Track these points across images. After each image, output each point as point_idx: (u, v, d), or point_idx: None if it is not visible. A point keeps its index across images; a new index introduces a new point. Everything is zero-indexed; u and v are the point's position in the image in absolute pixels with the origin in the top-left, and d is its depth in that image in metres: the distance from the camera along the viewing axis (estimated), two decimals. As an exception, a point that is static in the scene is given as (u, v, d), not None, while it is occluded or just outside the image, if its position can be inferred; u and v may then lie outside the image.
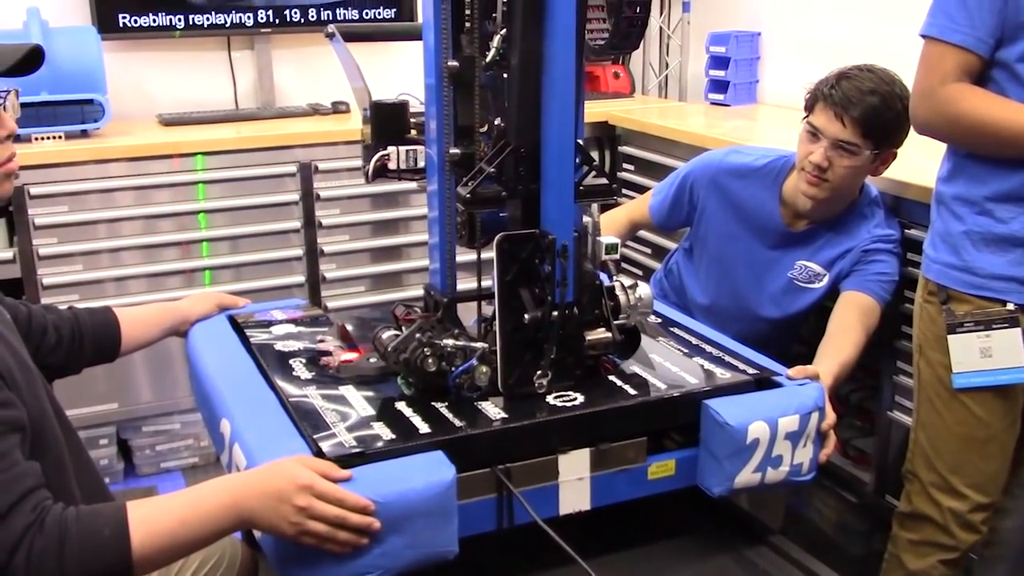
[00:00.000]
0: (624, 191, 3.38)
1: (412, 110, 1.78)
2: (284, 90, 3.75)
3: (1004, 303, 1.76)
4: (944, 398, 1.87)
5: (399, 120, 1.76)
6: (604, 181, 1.59)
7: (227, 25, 3.54)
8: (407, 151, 1.74)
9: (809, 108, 2.12)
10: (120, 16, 3.37)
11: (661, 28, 4.30)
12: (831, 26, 3.44)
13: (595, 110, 3.71)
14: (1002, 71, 1.69)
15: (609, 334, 1.65)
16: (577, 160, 1.54)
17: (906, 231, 2.24)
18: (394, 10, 3.74)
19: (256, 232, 3.28)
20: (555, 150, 1.49)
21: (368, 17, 3.71)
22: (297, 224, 3.31)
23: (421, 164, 1.74)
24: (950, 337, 1.79)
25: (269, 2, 3.56)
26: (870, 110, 2.05)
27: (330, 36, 1.91)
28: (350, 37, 1.90)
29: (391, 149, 1.74)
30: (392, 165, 1.75)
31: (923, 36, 1.74)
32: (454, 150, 1.59)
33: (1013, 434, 1.87)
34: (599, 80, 4.19)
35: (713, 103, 3.86)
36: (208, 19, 3.50)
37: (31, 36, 2.93)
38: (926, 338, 1.89)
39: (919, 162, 2.24)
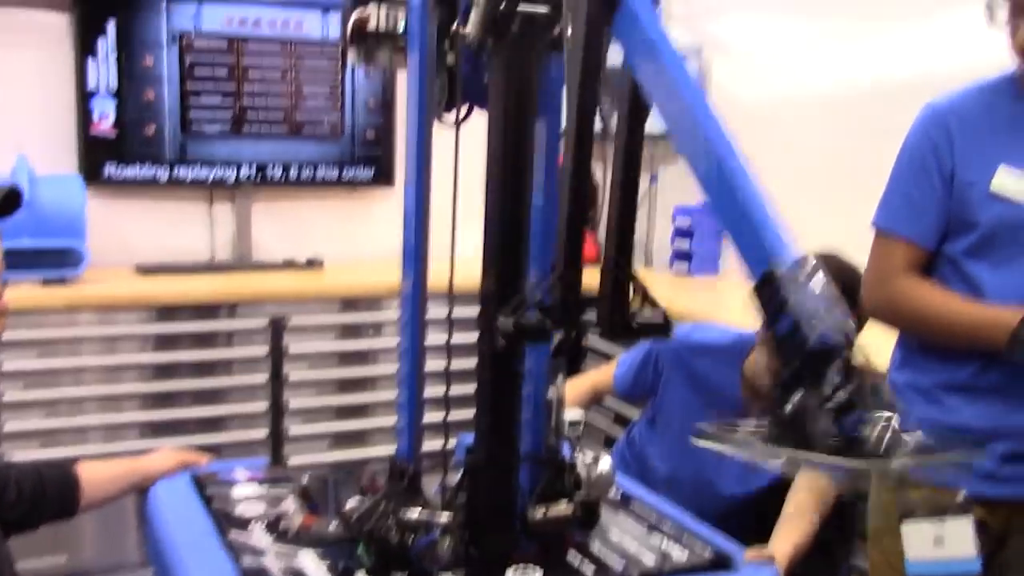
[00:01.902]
0: (591, 355, 3.44)
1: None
2: (261, 243, 3.83)
3: (956, 492, 1.80)
4: (898, 585, 1.88)
5: None
6: (661, 316, 1.37)
7: (210, 180, 3.64)
8: (387, 10, 1.64)
9: None
10: (106, 166, 3.46)
11: (630, 199, 4.45)
12: (793, 204, 3.57)
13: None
14: (947, 264, 1.78)
15: (570, 510, 1.67)
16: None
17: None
18: (373, 169, 3.86)
19: (222, 386, 3.29)
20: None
21: (348, 177, 3.83)
22: (264, 379, 3.33)
23: (401, 28, 1.65)
24: (903, 525, 1.82)
25: (253, 158, 3.67)
26: None
27: None
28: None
29: (371, 6, 1.64)
30: (371, 26, 1.65)
31: (873, 226, 1.84)
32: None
33: (967, 623, 1.88)
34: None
35: (677, 273, 3.97)
36: (192, 173, 3.60)
37: (17, 182, 3.00)
38: (880, 527, 1.92)
39: (877, 347, 2.32)
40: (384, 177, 3.87)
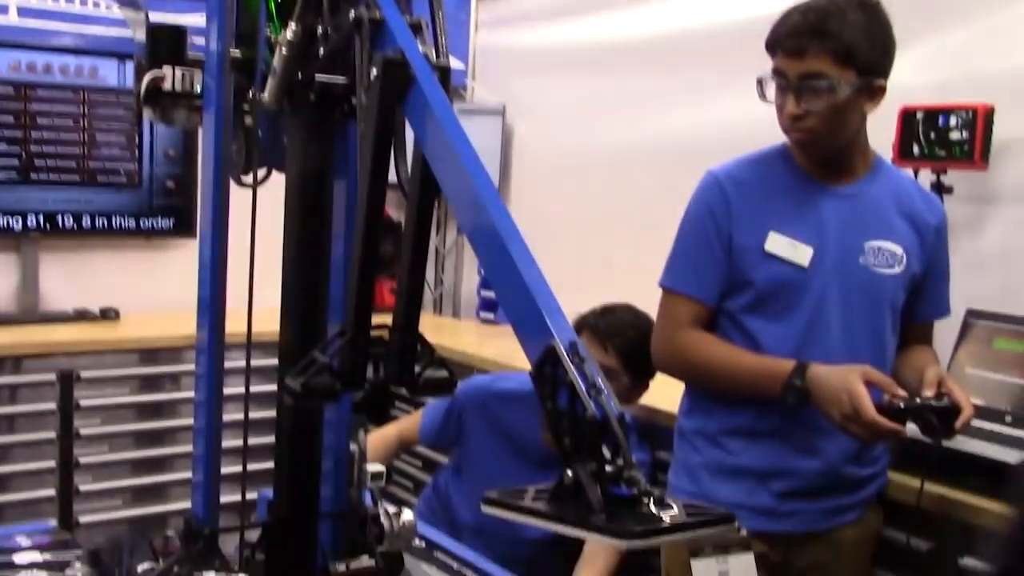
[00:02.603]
0: (397, 406, 3.45)
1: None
2: (50, 294, 3.64)
3: (738, 529, 1.91)
4: (690, 619, 1.97)
5: (177, 44, 1.65)
6: (444, 374, 1.40)
7: (-7, 229, 3.45)
8: (183, 72, 1.62)
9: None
10: None
11: (437, 248, 4.51)
12: (600, 258, 3.71)
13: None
14: (727, 319, 1.91)
15: (372, 563, 1.67)
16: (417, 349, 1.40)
17: (656, 454, 2.41)
18: (172, 219, 3.76)
19: (5, 443, 3.10)
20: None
21: (146, 227, 3.71)
22: (52, 435, 3.16)
23: (198, 88, 1.63)
24: (692, 561, 1.91)
25: (41, 207, 3.50)
26: (630, 343, 2.27)
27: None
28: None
29: (166, 68, 1.62)
30: (167, 86, 1.62)
31: (660, 286, 1.95)
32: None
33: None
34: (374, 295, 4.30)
35: (484, 321, 4.04)
36: (-29, 221, 3.40)
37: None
38: (672, 563, 2.00)
39: (668, 392, 2.44)
40: (184, 227, 3.77)
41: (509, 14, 4.23)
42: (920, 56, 2.40)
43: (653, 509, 0.96)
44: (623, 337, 2.27)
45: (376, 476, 1.72)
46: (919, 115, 2.36)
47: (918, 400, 1.71)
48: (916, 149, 2.36)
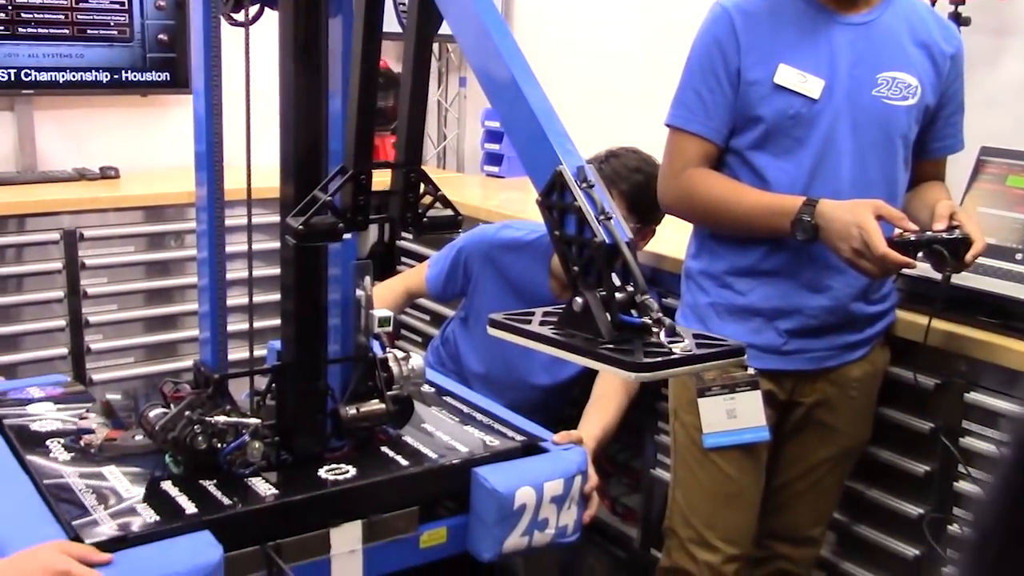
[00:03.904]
0: (402, 260, 3.44)
1: None
2: (48, 154, 3.59)
3: (746, 368, 1.92)
4: (697, 458, 2.00)
5: None
6: (450, 212, 1.43)
7: (-16, 84, 3.37)
8: None
9: None
10: None
11: (439, 101, 4.43)
12: (606, 104, 3.66)
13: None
14: (735, 157, 1.87)
15: (382, 406, 1.68)
16: (422, 189, 1.41)
17: (663, 300, 2.40)
18: (167, 74, 3.67)
19: (15, 303, 3.11)
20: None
21: (141, 82, 3.63)
22: (60, 294, 3.17)
23: None
24: (700, 400, 1.94)
25: (32, 63, 3.42)
26: (636, 187, 2.22)
27: None
28: None
29: None
30: None
31: (667, 125, 1.90)
32: None
33: (758, 489, 2.03)
34: (377, 150, 4.26)
35: (489, 175, 4.00)
36: (-36, 78, 3.33)
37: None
38: (680, 402, 2.03)
39: (674, 236, 2.42)
40: (180, 82, 3.68)
41: None
42: None
43: (663, 339, 0.95)
44: (628, 181, 2.23)
45: (383, 321, 1.72)
46: (938, -59, 2.26)
47: (929, 233, 1.68)
48: (933, -23, 2.27)
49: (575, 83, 3.57)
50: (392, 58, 4.29)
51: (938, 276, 1.76)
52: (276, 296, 1.63)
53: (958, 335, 1.92)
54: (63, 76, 3.48)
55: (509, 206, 3.22)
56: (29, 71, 3.42)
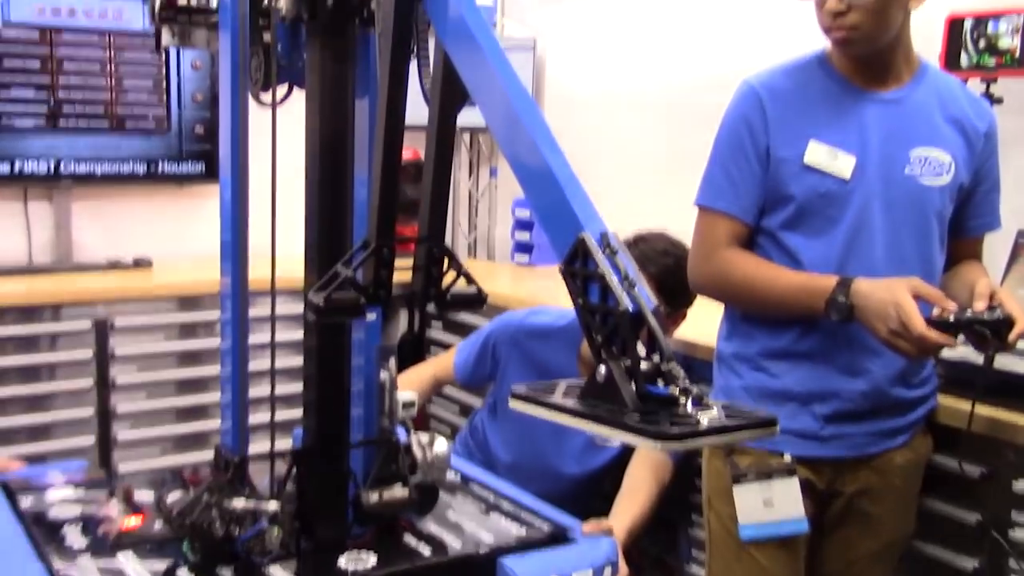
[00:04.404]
0: (431, 350, 3.42)
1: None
2: (83, 243, 3.63)
3: (782, 454, 1.86)
4: (733, 550, 1.93)
5: None
6: (474, 289, 1.37)
7: (24, 176, 3.43)
8: None
9: None
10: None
11: (470, 192, 4.46)
12: (635, 188, 3.64)
13: (401, 270, 3.76)
14: (767, 237, 1.84)
15: (405, 492, 1.63)
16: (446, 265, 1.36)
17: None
18: (202, 164, 3.73)
19: (46, 392, 3.11)
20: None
21: (176, 173, 3.68)
22: (89, 383, 3.16)
23: (213, 3, 1.58)
24: (735, 488, 1.87)
25: (71, 154, 3.48)
26: (664, 270, 2.21)
27: None
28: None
29: None
30: (182, 1, 1.59)
31: (696, 205, 1.87)
32: None
33: (797, 584, 1.94)
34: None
35: (519, 264, 3.99)
36: (4, 170, 3.39)
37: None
38: (714, 491, 1.96)
39: (708, 325, 2.38)
40: (215, 173, 3.72)
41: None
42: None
43: (690, 409, 0.91)
44: (657, 264, 2.20)
45: (408, 405, 1.68)
46: (967, 22, 2.25)
47: (969, 312, 1.63)
48: (964, 59, 2.26)
49: (604, 165, 3.59)
50: (423, 148, 4.34)
51: (979, 359, 1.70)
52: (296, 387, 1.60)
53: (1003, 421, 1.85)
54: (100, 167, 3.55)
55: (540, 295, 3.20)
56: (68, 162, 3.49)
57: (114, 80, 3.54)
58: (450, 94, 1.25)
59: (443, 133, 1.28)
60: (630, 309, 0.92)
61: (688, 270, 1.92)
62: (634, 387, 0.91)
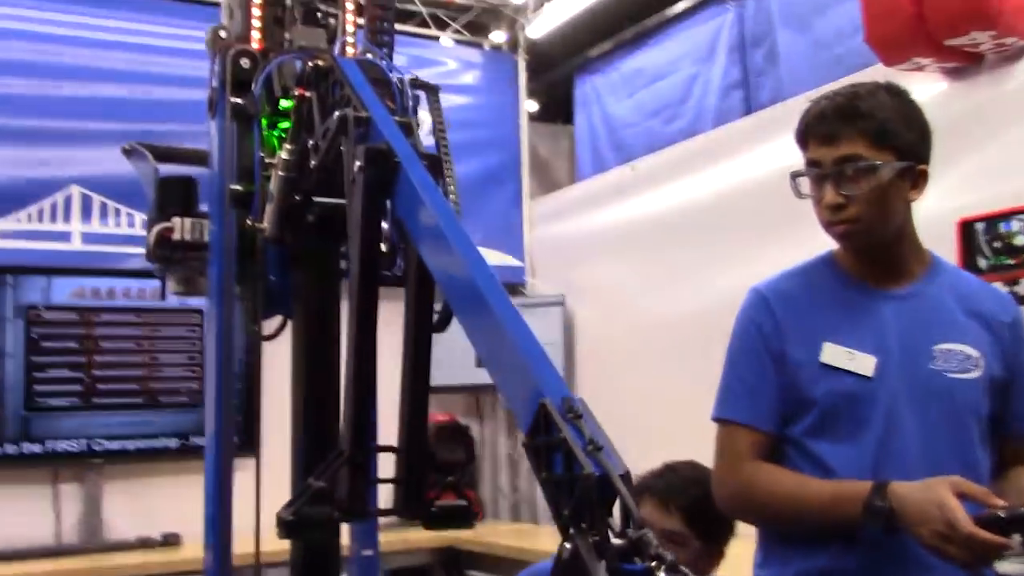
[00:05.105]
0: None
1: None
2: (112, 521, 3.55)
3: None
4: None
5: (186, 194, 1.64)
6: (463, 503, 1.28)
7: (56, 457, 3.42)
8: (192, 222, 1.60)
9: None
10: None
11: (509, 455, 4.38)
12: (660, 425, 3.53)
13: (440, 535, 3.62)
14: (793, 448, 1.71)
15: None
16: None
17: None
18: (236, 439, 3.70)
19: None
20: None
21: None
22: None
23: (206, 238, 1.60)
24: None
25: (104, 432, 3.49)
26: (694, 501, 2.06)
27: (127, 152, 1.79)
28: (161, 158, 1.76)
29: (175, 220, 1.60)
30: (176, 236, 1.61)
31: (713, 419, 1.77)
32: None
33: None
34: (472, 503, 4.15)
35: (561, 523, 3.82)
36: (36, 451, 3.39)
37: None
38: None
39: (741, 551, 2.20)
40: (247, 446, 3.69)
41: (560, 206, 4.34)
42: (969, 171, 2.27)
43: None
44: (686, 495, 2.05)
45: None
46: (979, 225, 2.21)
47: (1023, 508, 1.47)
48: (982, 262, 2.20)
49: (634, 402, 3.54)
50: (459, 411, 4.31)
51: (1045, 567, 1.52)
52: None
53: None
54: (133, 444, 3.53)
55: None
56: (100, 441, 3.48)
57: (149, 356, 3.60)
58: (425, 287, 1.22)
59: (419, 331, 1.23)
60: (595, 473, 0.82)
61: (712, 490, 1.79)
62: (604, 565, 0.79)
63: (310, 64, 1.40)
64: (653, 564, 0.78)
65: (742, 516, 1.78)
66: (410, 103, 1.47)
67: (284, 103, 1.47)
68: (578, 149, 4.61)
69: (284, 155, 1.38)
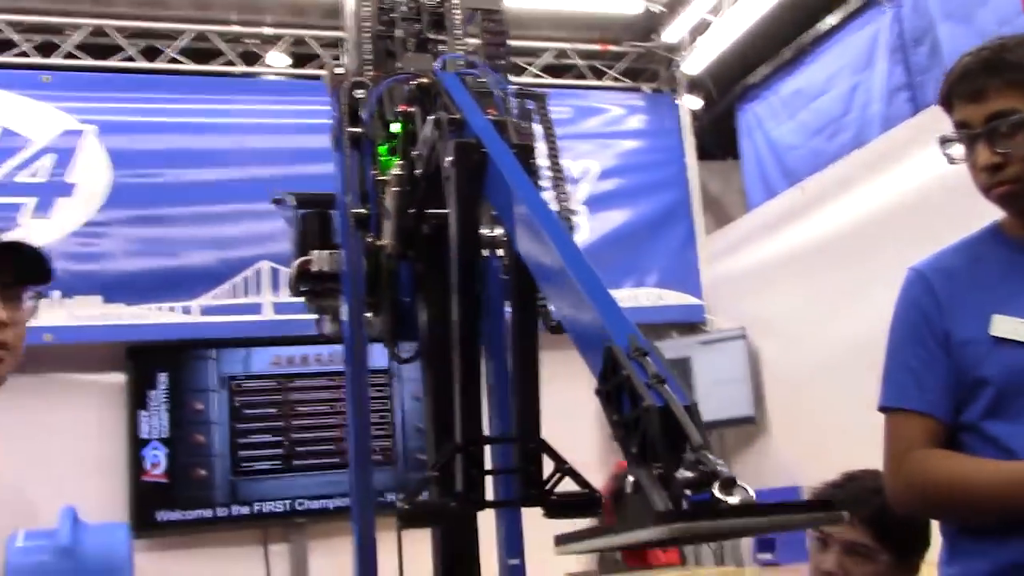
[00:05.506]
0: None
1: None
2: (319, 579, 3.70)
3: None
4: None
5: (322, 227, 1.73)
6: (587, 491, 1.21)
7: (263, 514, 3.61)
8: (328, 253, 1.68)
9: None
10: (158, 512, 3.47)
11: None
12: (851, 438, 3.37)
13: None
14: (969, 434, 1.58)
15: None
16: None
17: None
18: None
19: None
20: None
21: (402, 501, 3.75)
22: None
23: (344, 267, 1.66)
24: None
25: (305, 492, 3.64)
26: (878, 511, 1.93)
27: (277, 202, 1.88)
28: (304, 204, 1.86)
29: (312, 252, 1.69)
30: (314, 268, 1.68)
31: (880, 409, 1.66)
32: None
33: None
34: (646, 553, 4.05)
35: (763, 564, 3.67)
36: (244, 513, 3.58)
37: (61, 534, 3.02)
38: None
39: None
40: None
41: (734, 239, 4.27)
42: None
43: (717, 492, 0.75)
44: (869, 505, 1.92)
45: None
46: None
47: None
48: None
49: (822, 420, 3.41)
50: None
51: None
52: None
53: None
54: (332, 503, 3.67)
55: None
56: (302, 500, 3.64)
57: (343, 418, 3.74)
58: (527, 279, 1.22)
59: (524, 318, 1.24)
60: (656, 404, 0.80)
61: (885, 486, 1.67)
62: (667, 494, 0.77)
63: (413, 83, 1.46)
64: (712, 479, 0.75)
65: (915, 508, 1.65)
66: (515, 111, 1.50)
67: (395, 127, 1.54)
68: (746, 179, 4.53)
69: (395, 170, 1.43)
